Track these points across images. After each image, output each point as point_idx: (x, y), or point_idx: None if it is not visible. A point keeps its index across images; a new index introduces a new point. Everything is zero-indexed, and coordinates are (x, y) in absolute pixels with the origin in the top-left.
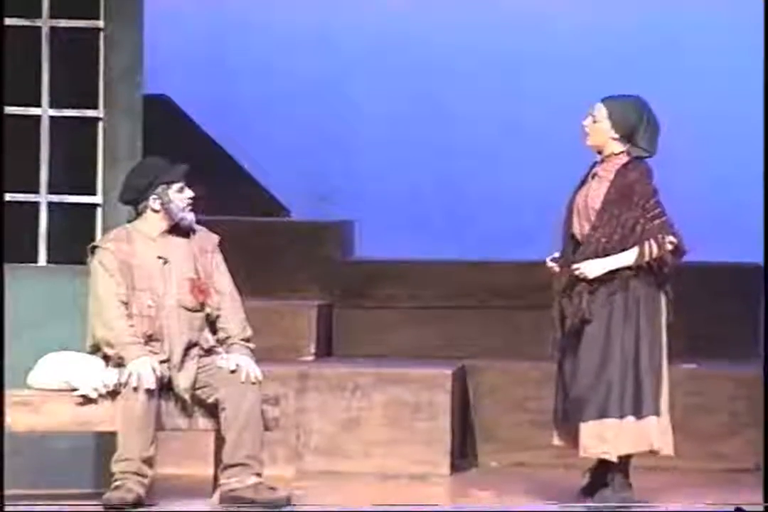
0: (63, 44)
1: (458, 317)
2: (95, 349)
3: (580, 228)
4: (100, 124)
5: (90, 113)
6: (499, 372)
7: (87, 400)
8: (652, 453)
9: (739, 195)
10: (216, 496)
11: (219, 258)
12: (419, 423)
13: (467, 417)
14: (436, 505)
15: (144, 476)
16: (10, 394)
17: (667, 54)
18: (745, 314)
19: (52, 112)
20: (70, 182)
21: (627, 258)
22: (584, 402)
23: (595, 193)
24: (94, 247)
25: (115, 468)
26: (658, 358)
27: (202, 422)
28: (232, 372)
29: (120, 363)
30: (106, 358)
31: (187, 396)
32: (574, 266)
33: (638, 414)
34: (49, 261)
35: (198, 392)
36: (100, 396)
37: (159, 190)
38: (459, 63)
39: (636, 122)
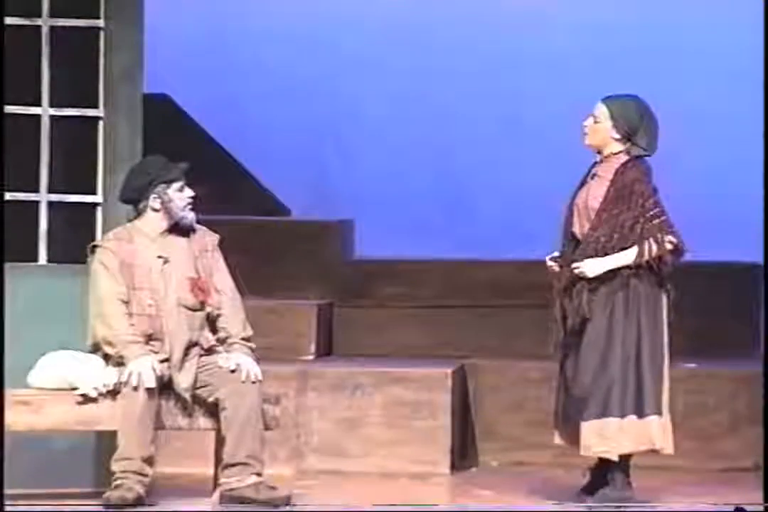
0: (63, 43)
1: (458, 316)
2: (95, 348)
3: (581, 227)
4: (101, 124)
5: (90, 112)
6: (499, 371)
7: (87, 399)
8: (654, 452)
9: (738, 194)
10: (216, 495)
11: (219, 257)
12: (419, 422)
13: (467, 416)
14: (436, 505)
15: (144, 475)
16: (10, 393)
17: (667, 53)
18: (745, 313)
19: (53, 112)
20: (70, 181)
21: (626, 257)
22: (585, 401)
23: (595, 193)
24: (95, 246)
25: (116, 467)
26: (659, 357)
27: (203, 421)
28: (233, 371)
29: (120, 363)
30: (107, 357)
31: (187, 396)
32: (574, 265)
33: (640, 413)
34: (49, 261)
35: (198, 391)
36: (101, 395)
37: (159, 189)
38: (459, 62)
39: (637, 122)
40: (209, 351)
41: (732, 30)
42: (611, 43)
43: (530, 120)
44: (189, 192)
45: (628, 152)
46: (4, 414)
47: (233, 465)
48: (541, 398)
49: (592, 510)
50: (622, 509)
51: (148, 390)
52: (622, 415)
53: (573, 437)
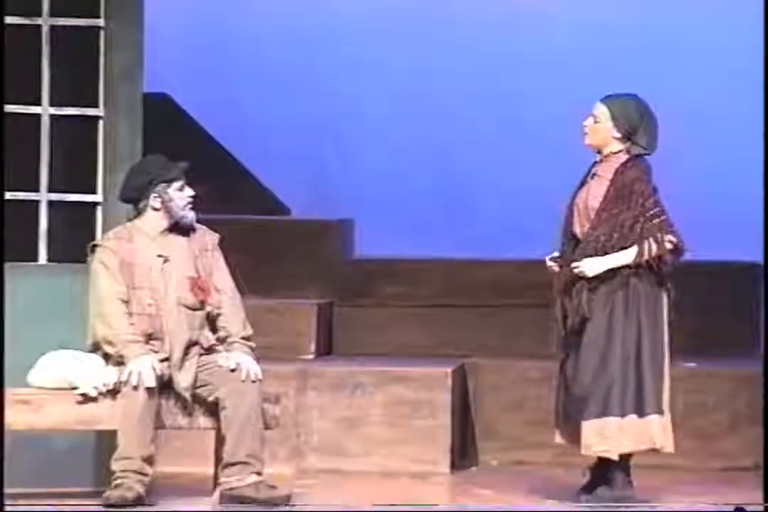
0: (63, 43)
1: (458, 316)
2: (96, 348)
3: (581, 227)
4: (101, 123)
5: (90, 112)
6: (499, 370)
7: (87, 399)
8: (654, 451)
9: (738, 194)
10: (216, 495)
11: (219, 256)
12: (419, 421)
13: (467, 415)
14: (437, 505)
15: (144, 474)
16: (10, 393)
17: (667, 53)
18: (745, 312)
19: (53, 111)
20: (70, 180)
21: (626, 256)
22: (586, 401)
23: (595, 192)
24: (95, 246)
25: (116, 466)
26: (660, 356)
27: (203, 420)
28: (233, 370)
29: (120, 362)
30: (107, 357)
31: (187, 395)
32: (574, 264)
33: (640, 412)
34: (49, 260)
35: (198, 390)
36: (101, 394)
37: (159, 188)
38: (459, 62)
39: (637, 121)
40: (209, 350)
41: (732, 30)
42: (611, 43)
43: (530, 120)
44: (189, 191)
45: (628, 151)
46: (4, 413)
47: (233, 464)
48: (541, 397)
49: (593, 509)
50: (621, 509)
51: (148, 389)
52: (623, 414)
53: (574, 436)
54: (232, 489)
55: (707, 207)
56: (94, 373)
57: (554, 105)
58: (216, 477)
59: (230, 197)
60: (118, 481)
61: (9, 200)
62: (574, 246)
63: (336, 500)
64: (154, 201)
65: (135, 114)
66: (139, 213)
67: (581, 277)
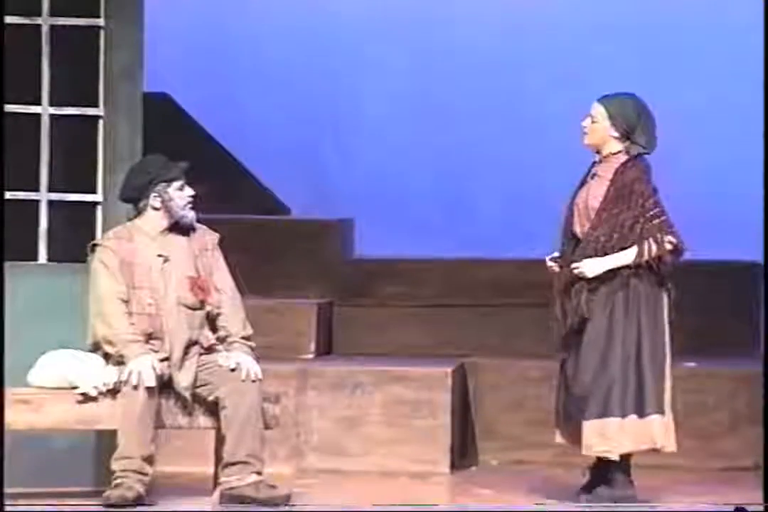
0: (63, 42)
1: (458, 315)
2: (96, 347)
3: (581, 227)
4: (101, 123)
5: (90, 111)
6: (499, 370)
7: (87, 398)
8: (655, 451)
9: (738, 193)
10: (216, 494)
11: (219, 256)
12: (419, 421)
13: (467, 415)
14: (437, 505)
15: (144, 474)
16: (10, 392)
17: (666, 52)
18: (745, 312)
19: (53, 111)
20: (70, 180)
21: (626, 257)
22: (586, 401)
23: (595, 192)
24: (95, 245)
25: (116, 466)
26: (660, 356)
27: (203, 420)
28: (233, 370)
29: (120, 362)
30: (107, 356)
31: (187, 395)
32: (574, 265)
33: (641, 412)
34: (49, 259)
35: (198, 390)
36: (101, 394)
37: (159, 187)
38: (460, 61)
39: (635, 120)
40: (209, 350)
41: (732, 29)
42: (611, 43)
43: (530, 120)
44: (189, 191)
45: (627, 151)
46: (4, 412)
47: (233, 463)
48: (541, 397)
49: (593, 509)
50: (621, 508)
51: (148, 389)
52: (623, 415)
53: (575, 436)
54: (232, 488)
55: (707, 206)
56: (94, 373)
57: (554, 105)
58: (216, 476)
59: (230, 197)
60: (118, 481)
61: (9, 200)
62: (574, 246)
63: (336, 500)
64: (154, 200)
65: (135, 113)
66: (139, 212)
67: (581, 278)
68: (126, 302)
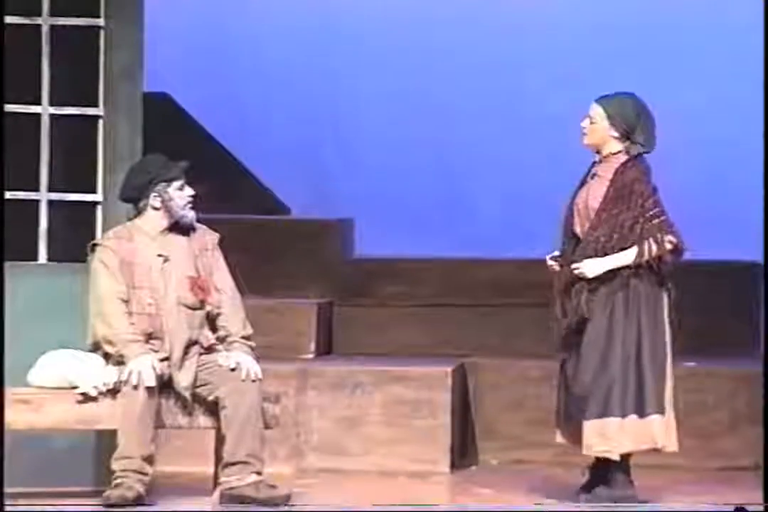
0: (63, 42)
1: (458, 315)
2: (96, 347)
3: (581, 227)
4: (101, 122)
5: (90, 111)
6: (499, 370)
7: (87, 398)
8: (656, 450)
9: (738, 193)
10: (216, 494)
11: (219, 256)
12: (419, 421)
13: (467, 415)
14: (437, 505)
15: (144, 474)
16: (10, 392)
17: (666, 52)
18: (745, 312)
19: (53, 110)
20: (70, 180)
21: (626, 257)
22: (586, 401)
23: (595, 192)
24: (95, 245)
25: (116, 466)
26: (660, 356)
27: (203, 420)
28: (233, 370)
29: (120, 361)
30: (107, 356)
31: (187, 394)
32: (574, 266)
33: (641, 412)
34: (49, 259)
35: (198, 390)
36: (101, 394)
37: (159, 187)
38: (460, 61)
39: (634, 119)
40: (209, 349)
41: (732, 29)
42: (611, 43)
43: (531, 119)
44: (189, 190)
45: (627, 152)
46: (4, 412)
47: (233, 463)
48: (541, 396)
49: (593, 509)
50: (621, 509)
51: (148, 388)
52: (623, 415)
53: (575, 436)
54: (232, 488)
55: (707, 206)
56: (94, 373)
57: (554, 105)
58: (216, 476)
59: (230, 197)
60: (118, 480)
61: (9, 199)
62: (574, 245)
63: (336, 499)
64: (154, 200)
65: (135, 113)
66: (139, 212)
67: (581, 278)
68: (126, 302)
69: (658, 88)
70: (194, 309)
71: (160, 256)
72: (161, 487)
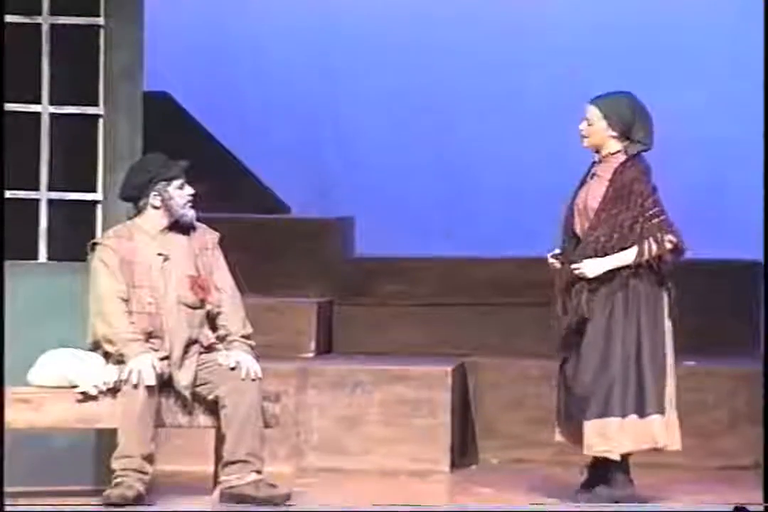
0: (63, 41)
1: (458, 314)
2: (96, 346)
3: (581, 227)
4: (101, 121)
5: (90, 110)
6: (499, 369)
7: (87, 397)
8: (656, 450)
9: (738, 192)
10: (216, 493)
11: (219, 255)
12: (419, 420)
13: (467, 414)
14: (437, 505)
15: (144, 473)
16: (10, 391)
17: (666, 52)
18: (745, 311)
19: (53, 109)
20: (70, 179)
21: (626, 257)
22: (587, 401)
23: (595, 192)
24: (95, 244)
25: (116, 465)
26: (660, 356)
27: (203, 419)
28: (232, 369)
29: (120, 360)
30: (107, 355)
31: (187, 393)
32: (574, 266)
33: (641, 412)
34: (49, 258)
35: (198, 389)
36: (101, 393)
37: (159, 186)
38: (460, 61)
39: (630, 117)
40: (209, 348)
41: (732, 28)
42: (611, 42)
43: (531, 118)
44: (189, 189)
45: (626, 151)
46: (4, 411)
47: (233, 462)
48: (541, 395)
49: (593, 509)
50: (622, 508)
51: (148, 387)
52: (624, 415)
53: (576, 436)
54: (231, 487)
55: (707, 205)
56: (94, 372)
57: (554, 105)
58: (216, 475)
59: (230, 195)
60: (119, 480)
61: (9, 199)
62: (575, 244)
63: (336, 499)
64: (154, 199)
65: (135, 112)
66: (139, 211)
67: (581, 278)
68: (126, 301)
69: (658, 88)
70: (194, 308)
71: (160, 254)
72: (161, 486)
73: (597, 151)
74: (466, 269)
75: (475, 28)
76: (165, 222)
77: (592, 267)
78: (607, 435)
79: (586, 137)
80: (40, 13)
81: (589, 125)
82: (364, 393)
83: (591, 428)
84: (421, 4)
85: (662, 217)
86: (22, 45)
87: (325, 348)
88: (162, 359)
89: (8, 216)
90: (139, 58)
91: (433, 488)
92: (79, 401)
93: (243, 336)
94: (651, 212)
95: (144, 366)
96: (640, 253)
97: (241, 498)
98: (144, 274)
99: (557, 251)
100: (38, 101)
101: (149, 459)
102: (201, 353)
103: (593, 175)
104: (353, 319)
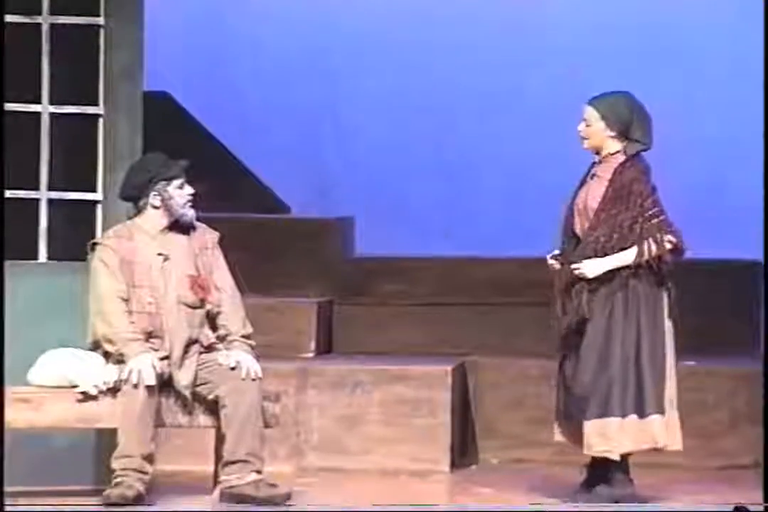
0: (63, 41)
1: (458, 314)
2: (96, 346)
3: (581, 227)
4: (101, 121)
5: (90, 110)
6: (499, 368)
7: (87, 397)
8: (656, 450)
9: (738, 192)
10: (216, 493)
11: (219, 254)
12: (419, 420)
13: (467, 414)
14: (437, 505)
15: (144, 473)
16: (10, 391)
17: (666, 52)
18: (745, 311)
19: (53, 109)
20: (70, 179)
21: (626, 257)
22: (587, 401)
23: (594, 193)
24: (95, 244)
25: (116, 464)
26: (660, 357)
27: (203, 419)
28: (233, 368)
29: (120, 360)
30: (107, 355)
31: (187, 393)
32: (574, 266)
33: (641, 412)
34: (49, 258)
35: (198, 389)
36: (101, 392)
37: (159, 186)
38: (460, 60)
39: (627, 116)
40: (209, 348)
41: (732, 28)
42: (611, 42)
43: (531, 118)
44: (189, 189)
45: (625, 151)
46: (4, 411)
47: (233, 462)
48: (541, 395)
49: (592, 509)
50: (621, 508)
51: (148, 387)
52: (623, 415)
53: (576, 436)
54: (232, 487)
55: (707, 205)
56: (94, 371)
57: (555, 104)
58: (216, 475)
59: (230, 195)
60: (119, 479)
61: (9, 198)
62: (575, 244)
63: (336, 498)
64: (154, 199)
65: (135, 112)
66: (139, 211)
67: (581, 278)
68: (126, 301)
69: (658, 87)
70: (194, 307)
71: (160, 254)
72: (161, 486)
73: (597, 152)
74: (466, 269)
75: (476, 27)
76: (165, 221)
77: (591, 268)
78: (607, 435)
79: (585, 139)
80: (40, 13)
81: (587, 126)
82: (364, 393)
83: (591, 428)
84: (421, 4)
85: (662, 217)
86: (22, 45)
87: (325, 348)
88: (162, 359)
89: (8, 216)
90: (139, 57)
91: (433, 488)
92: (79, 401)
93: (243, 336)
94: (650, 212)
95: (144, 365)
96: (640, 254)
97: (241, 498)
98: (144, 274)
99: (556, 252)
100: (38, 101)
101: (149, 458)
102: (201, 353)
103: (593, 175)
104: (353, 319)
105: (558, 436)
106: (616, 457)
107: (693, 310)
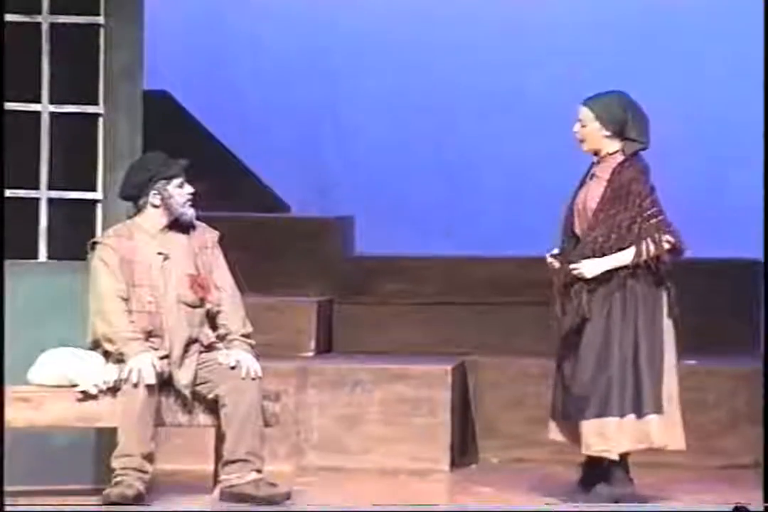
0: (63, 41)
1: (458, 313)
2: (95, 345)
3: (581, 227)
4: (101, 121)
5: (90, 109)
6: (499, 368)
7: (87, 396)
8: (654, 450)
9: (738, 191)
10: (216, 492)
11: (219, 254)
12: (419, 419)
13: (467, 413)
14: (437, 505)
15: (144, 472)
16: (10, 390)
17: (666, 52)
18: (745, 310)
19: (53, 109)
20: (70, 178)
21: (624, 257)
22: (585, 401)
23: (593, 193)
24: (95, 243)
25: (116, 464)
26: (658, 357)
27: (203, 418)
28: (233, 368)
29: (120, 359)
30: (107, 354)
31: (187, 392)
32: (572, 266)
33: (639, 412)
34: (49, 257)
35: (198, 388)
36: (101, 392)
37: (159, 185)
38: (460, 60)
39: (622, 115)
40: (209, 347)
41: (732, 28)
42: (611, 42)
43: (531, 118)
44: (189, 188)
45: (623, 151)
46: (4, 410)
47: (233, 461)
48: (541, 394)
49: (592, 509)
50: (621, 508)
51: (148, 386)
52: (622, 415)
53: (574, 435)
54: (232, 486)
55: (707, 205)
56: (94, 371)
57: (554, 104)
58: (216, 474)
59: (230, 194)
60: (118, 479)
61: (9, 198)
62: (575, 244)
63: (336, 498)
64: (153, 198)
65: (135, 111)
66: (138, 210)
67: (580, 278)
68: (126, 300)
69: (658, 87)
70: (194, 307)
71: (160, 253)
72: (161, 485)
73: (595, 153)
74: (466, 268)
75: (475, 27)
76: (165, 221)
77: (590, 268)
78: (606, 435)
79: (582, 141)
80: (40, 12)
81: (582, 126)
82: (364, 392)
83: (589, 428)
84: (421, 4)
85: (660, 217)
86: (22, 44)
87: (325, 347)
88: (162, 358)
89: (8, 215)
90: (138, 57)
91: (433, 487)
92: (79, 400)
93: (243, 335)
94: (649, 212)
95: (144, 365)
96: (638, 254)
97: (241, 497)
98: (144, 273)
99: (556, 251)
100: (38, 100)
101: (149, 458)
102: (201, 352)
103: (592, 175)
104: (353, 318)
105: (553, 434)
106: (614, 457)
107: (693, 310)
